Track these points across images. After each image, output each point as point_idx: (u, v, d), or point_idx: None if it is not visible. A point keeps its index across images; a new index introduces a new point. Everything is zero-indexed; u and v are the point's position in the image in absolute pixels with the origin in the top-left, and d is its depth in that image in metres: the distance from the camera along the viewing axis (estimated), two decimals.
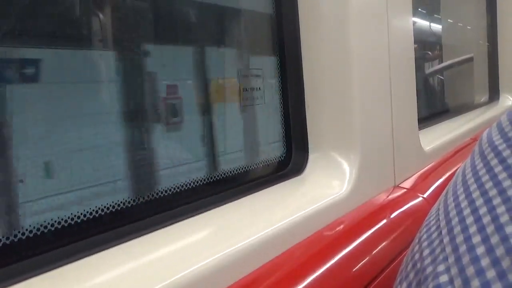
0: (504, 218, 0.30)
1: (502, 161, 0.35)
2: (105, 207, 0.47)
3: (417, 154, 0.97)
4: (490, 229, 0.31)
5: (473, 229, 0.32)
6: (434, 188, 0.86)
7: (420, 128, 0.99)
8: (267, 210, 0.60)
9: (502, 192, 0.32)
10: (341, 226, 0.64)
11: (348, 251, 0.59)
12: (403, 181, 0.87)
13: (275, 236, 0.54)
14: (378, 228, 0.67)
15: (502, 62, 2.07)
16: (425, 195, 0.82)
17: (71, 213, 0.44)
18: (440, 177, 0.94)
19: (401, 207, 0.76)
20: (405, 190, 0.83)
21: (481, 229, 0.31)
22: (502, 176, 0.33)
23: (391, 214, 0.73)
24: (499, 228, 0.30)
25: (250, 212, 0.59)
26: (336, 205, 0.66)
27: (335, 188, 0.69)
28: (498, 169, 0.34)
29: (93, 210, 0.46)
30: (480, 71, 2.05)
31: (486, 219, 0.31)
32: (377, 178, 0.79)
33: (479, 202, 0.33)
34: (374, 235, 0.65)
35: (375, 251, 0.63)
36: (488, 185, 0.34)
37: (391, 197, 0.79)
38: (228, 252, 0.48)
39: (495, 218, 0.31)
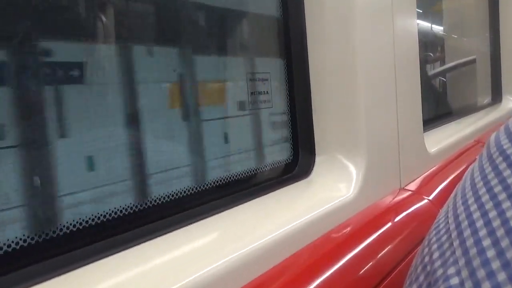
0: None
1: (511, 165, 0.35)
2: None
3: (422, 156, 0.98)
4: (499, 232, 0.31)
5: (482, 232, 0.32)
6: (439, 190, 0.87)
7: (424, 131, 1.00)
8: (274, 213, 0.61)
9: (511, 196, 0.32)
10: (348, 229, 0.65)
11: (355, 254, 0.59)
12: (409, 183, 0.87)
13: (283, 238, 0.55)
14: (385, 230, 0.67)
15: (504, 64, 2.07)
16: (430, 197, 0.82)
17: (83, 216, 0.45)
18: (445, 179, 0.94)
19: (407, 209, 0.76)
20: (410, 192, 0.84)
21: (491, 233, 0.32)
22: (511, 180, 0.34)
23: (397, 217, 0.73)
24: (509, 231, 0.30)
25: (258, 215, 0.60)
26: (343, 208, 0.67)
27: (341, 190, 0.69)
28: (506, 173, 0.35)
29: (105, 213, 0.47)
30: (482, 73, 2.05)
31: (496, 223, 0.32)
32: (383, 181, 0.80)
33: (489, 205, 0.34)
34: (381, 238, 0.66)
35: (381, 253, 0.63)
36: (497, 189, 0.34)
37: (397, 199, 0.80)
38: (237, 255, 0.48)
39: (504, 222, 0.31)
